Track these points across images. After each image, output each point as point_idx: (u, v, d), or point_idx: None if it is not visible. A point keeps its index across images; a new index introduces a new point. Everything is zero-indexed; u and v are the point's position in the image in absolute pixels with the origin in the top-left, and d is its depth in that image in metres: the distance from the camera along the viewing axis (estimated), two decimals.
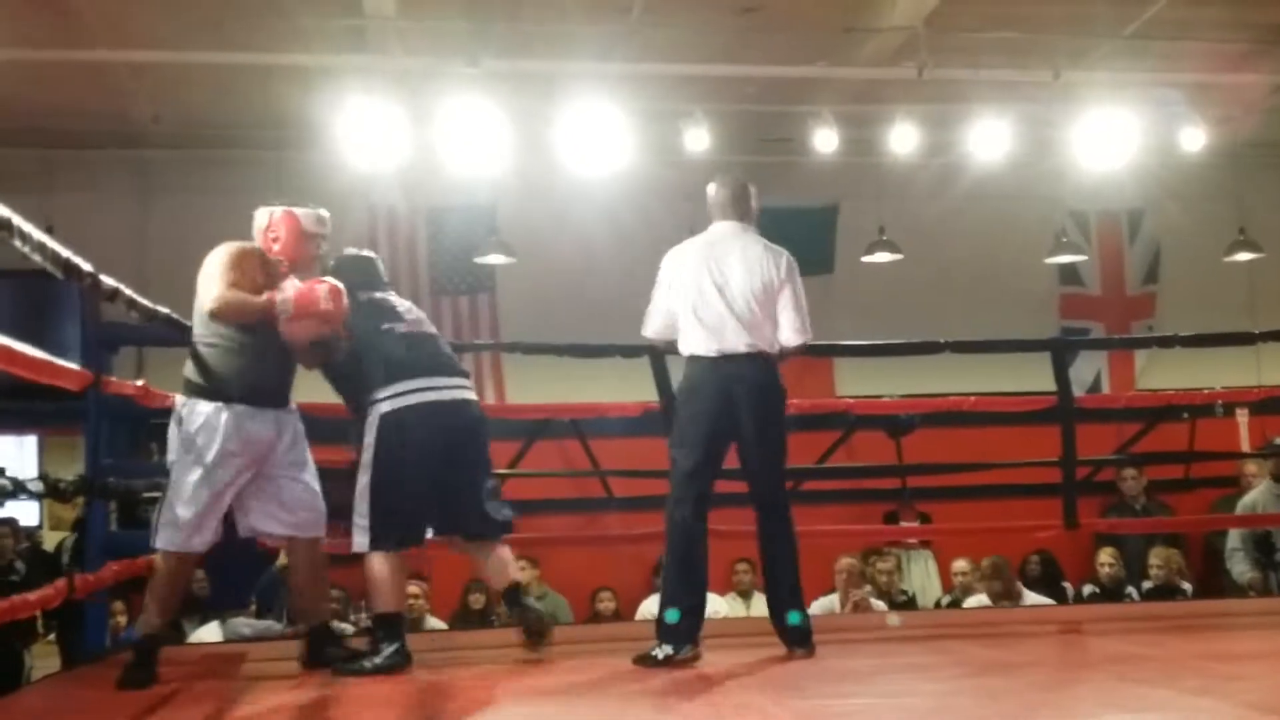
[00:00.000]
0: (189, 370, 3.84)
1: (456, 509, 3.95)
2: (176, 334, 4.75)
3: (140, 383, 4.50)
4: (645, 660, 3.82)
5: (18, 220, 2.93)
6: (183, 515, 3.70)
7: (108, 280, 3.81)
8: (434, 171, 7.92)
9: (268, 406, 3.80)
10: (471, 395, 4.04)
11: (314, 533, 3.94)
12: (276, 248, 3.89)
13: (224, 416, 3.72)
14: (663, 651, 3.82)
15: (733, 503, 6.80)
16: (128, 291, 4.02)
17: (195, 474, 3.70)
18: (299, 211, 3.94)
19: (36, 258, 3.11)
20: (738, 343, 3.96)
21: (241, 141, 8.49)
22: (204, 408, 3.73)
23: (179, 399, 3.83)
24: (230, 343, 3.77)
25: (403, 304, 4.11)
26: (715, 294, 3.98)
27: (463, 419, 3.93)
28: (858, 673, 3.84)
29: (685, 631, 3.88)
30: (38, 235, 3.06)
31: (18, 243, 2.95)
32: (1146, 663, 3.91)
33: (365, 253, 4.32)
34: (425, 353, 3.96)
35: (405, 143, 7.24)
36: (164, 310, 4.45)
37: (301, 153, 8.07)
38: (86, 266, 3.57)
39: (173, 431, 3.79)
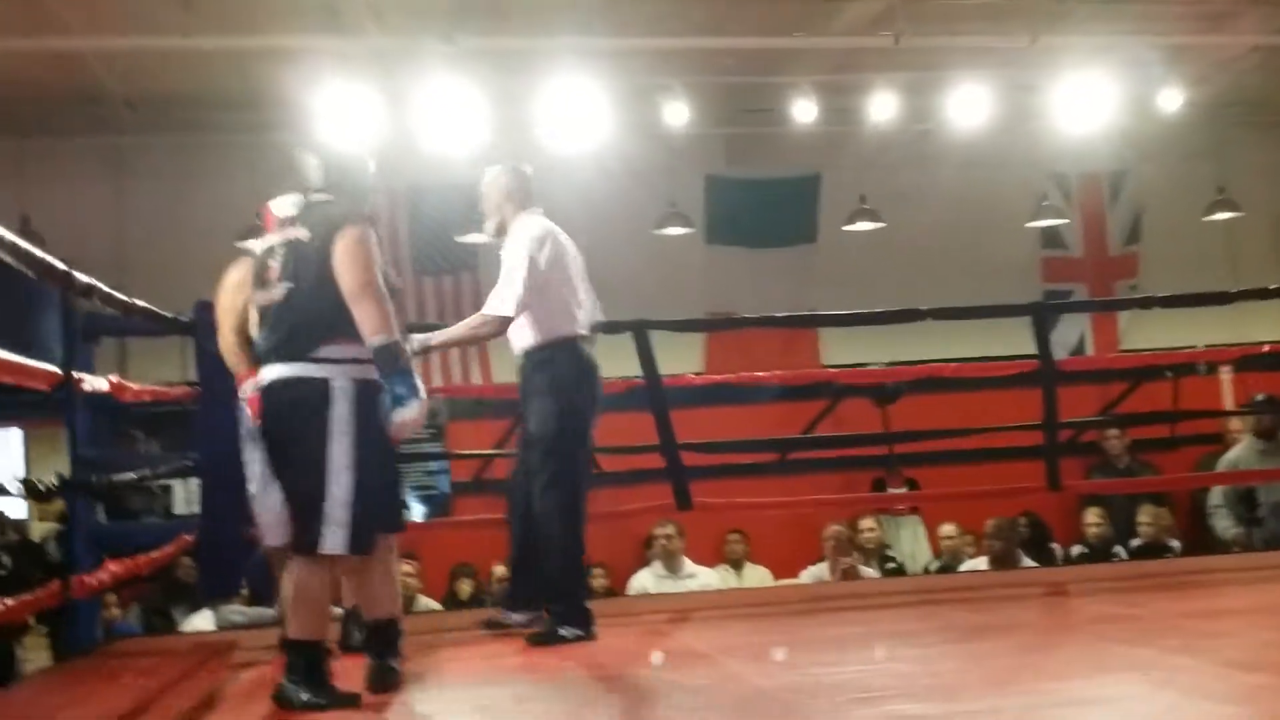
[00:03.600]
0: None
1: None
2: (155, 325, 4.75)
3: (114, 378, 4.48)
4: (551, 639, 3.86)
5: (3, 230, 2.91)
6: None
7: (81, 277, 3.79)
8: (413, 151, 7.87)
9: None
10: (270, 375, 3.14)
11: None
12: None
13: None
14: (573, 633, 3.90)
15: (722, 475, 6.87)
16: (103, 287, 4.00)
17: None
18: (271, 202, 3.70)
19: (9, 259, 3.08)
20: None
21: (217, 125, 8.43)
22: None
23: None
24: None
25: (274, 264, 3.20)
26: (580, 276, 4.17)
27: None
28: (846, 640, 3.88)
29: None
30: (9, 237, 3.04)
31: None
32: (1130, 622, 3.97)
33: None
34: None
35: (382, 122, 7.20)
36: (140, 304, 4.43)
37: (278, 135, 8.00)
38: (60, 265, 3.55)
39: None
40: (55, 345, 5.00)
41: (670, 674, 3.40)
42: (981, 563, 6.77)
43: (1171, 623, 3.90)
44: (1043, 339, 5.67)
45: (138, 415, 7.66)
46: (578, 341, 4.06)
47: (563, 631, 3.89)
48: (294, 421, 3.06)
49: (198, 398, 4.74)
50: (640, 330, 5.44)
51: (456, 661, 3.77)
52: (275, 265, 3.14)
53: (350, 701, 3.03)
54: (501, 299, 3.98)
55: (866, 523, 7.27)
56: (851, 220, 9.02)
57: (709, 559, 7.69)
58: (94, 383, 4.32)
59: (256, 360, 3.41)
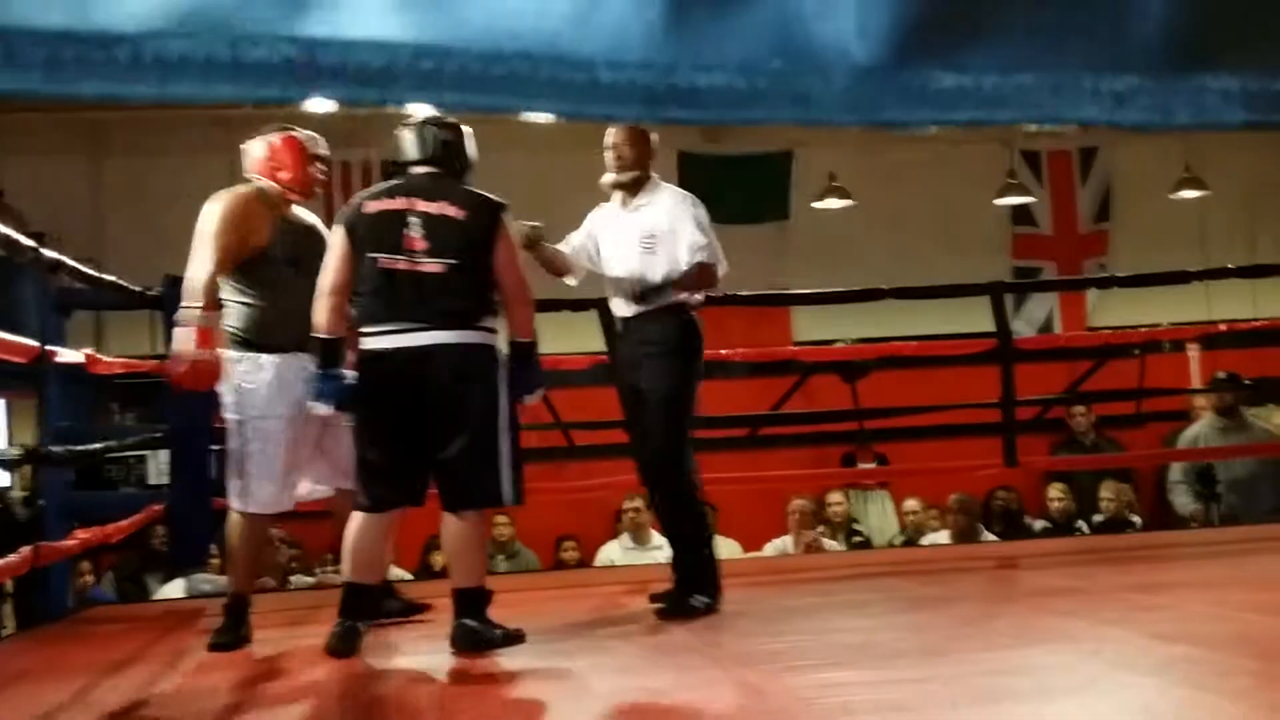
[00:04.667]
0: (231, 325, 3.57)
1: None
2: (127, 299, 4.83)
3: (88, 351, 4.56)
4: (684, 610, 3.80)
5: None
6: (264, 475, 3.56)
7: (49, 253, 3.86)
8: (376, 120, 7.91)
9: (298, 353, 3.53)
10: (441, 339, 3.26)
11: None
12: (284, 176, 3.61)
13: (274, 368, 3.54)
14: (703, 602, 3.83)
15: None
16: (70, 262, 4.07)
17: (267, 430, 3.55)
18: (300, 134, 3.65)
19: None
20: None
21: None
22: (257, 360, 3.54)
23: (231, 354, 3.54)
24: (249, 296, 3.57)
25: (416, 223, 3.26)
26: None
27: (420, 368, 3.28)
28: (796, 610, 3.97)
29: None
30: None
31: None
32: (1073, 595, 4.07)
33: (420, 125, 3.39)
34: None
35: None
36: (109, 278, 4.51)
37: (254, 109, 8.06)
38: (26, 241, 3.61)
39: (229, 388, 3.56)
40: (32, 318, 5.08)
41: (610, 639, 3.51)
42: (944, 537, 6.90)
43: (1114, 596, 4.00)
44: (1000, 318, 5.78)
45: (115, 388, 7.77)
46: (689, 306, 3.98)
47: (694, 601, 3.81)
48: (476, 383, 3.28)
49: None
50: (606, 308, 5.52)
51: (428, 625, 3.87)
52: (417, 235, 3.23)
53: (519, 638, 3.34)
54: (708, 250, 3.87)
55: (834, 497, 7.40)
56: (822, 197, 9.11)
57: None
58: (68, 355, 4.39)
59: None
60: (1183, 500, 6.83)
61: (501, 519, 7.52)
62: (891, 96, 1.01)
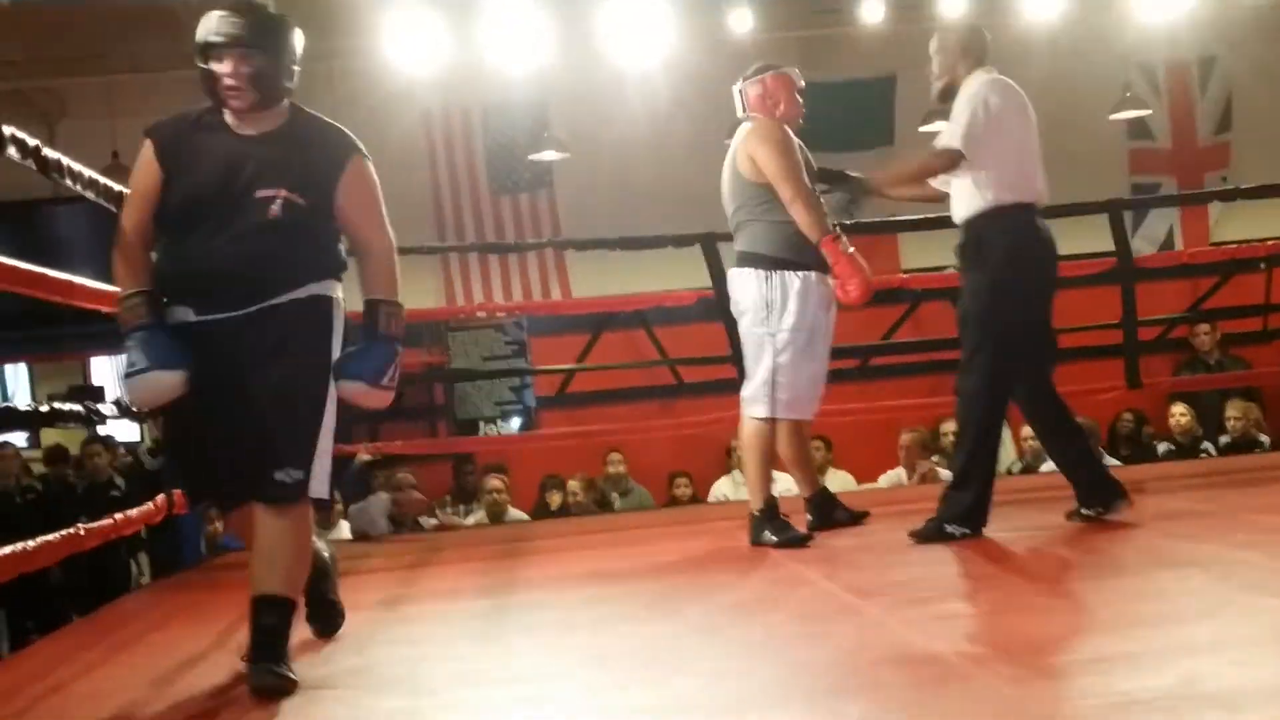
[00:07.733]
0: (762, 245, 3.84)
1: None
2: None
3: None
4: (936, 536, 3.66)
5: (82, 166, 3.04)
6: (802, 381, 3.87)
7: None
8: (482, 71, 7.91)
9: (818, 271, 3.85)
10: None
11: None
12: (780, 110, 3.94)
13: (803, 283, 3.82)
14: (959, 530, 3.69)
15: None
16: None
17: (804, 340, 3.84)
18: (788, 70, 3.99)
19: (89, 194, 3.25)
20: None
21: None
22: (796, 278, 3.82)
23: (759, 272, 3.83)
24: (779, 215, 3.81)
25: None
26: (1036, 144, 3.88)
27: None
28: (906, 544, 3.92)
29: None
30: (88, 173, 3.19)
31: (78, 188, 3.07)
32: (1201, 519, 3.96)
33: None
34: None
35: (450, 43, 7.24)
36: None
37: (352, 60, 8.11)
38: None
39: (761, 303, 3.83)
40: None
41: (732, 575, 3.51)
42: None
43: (1244, 518, 3.88)
44: (1119, 236, 5.58)
45: None
46: (1024, 211, 3.70)
47: (949, 529, 3.65)
48: None
49: None
50: (709, 243, 5.49)
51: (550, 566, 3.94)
52: None
53: None
54: (949, 134, 3.70)
55: (948, 426, 7.26)
56: (928, 120, 8.84)
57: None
58: None
59: None
60: None
61: (615, 455, 7.57)
62: None
